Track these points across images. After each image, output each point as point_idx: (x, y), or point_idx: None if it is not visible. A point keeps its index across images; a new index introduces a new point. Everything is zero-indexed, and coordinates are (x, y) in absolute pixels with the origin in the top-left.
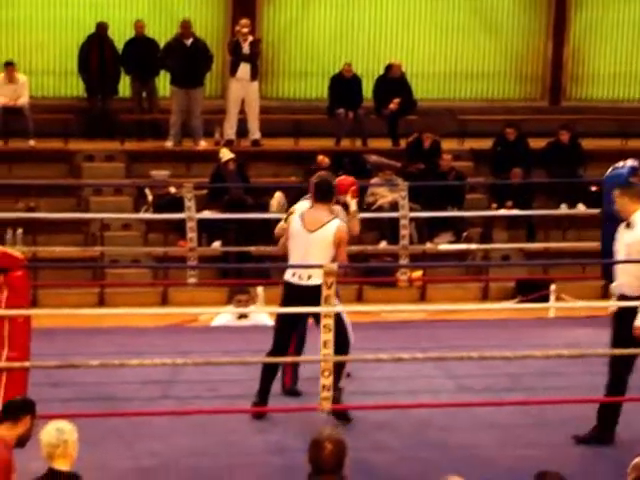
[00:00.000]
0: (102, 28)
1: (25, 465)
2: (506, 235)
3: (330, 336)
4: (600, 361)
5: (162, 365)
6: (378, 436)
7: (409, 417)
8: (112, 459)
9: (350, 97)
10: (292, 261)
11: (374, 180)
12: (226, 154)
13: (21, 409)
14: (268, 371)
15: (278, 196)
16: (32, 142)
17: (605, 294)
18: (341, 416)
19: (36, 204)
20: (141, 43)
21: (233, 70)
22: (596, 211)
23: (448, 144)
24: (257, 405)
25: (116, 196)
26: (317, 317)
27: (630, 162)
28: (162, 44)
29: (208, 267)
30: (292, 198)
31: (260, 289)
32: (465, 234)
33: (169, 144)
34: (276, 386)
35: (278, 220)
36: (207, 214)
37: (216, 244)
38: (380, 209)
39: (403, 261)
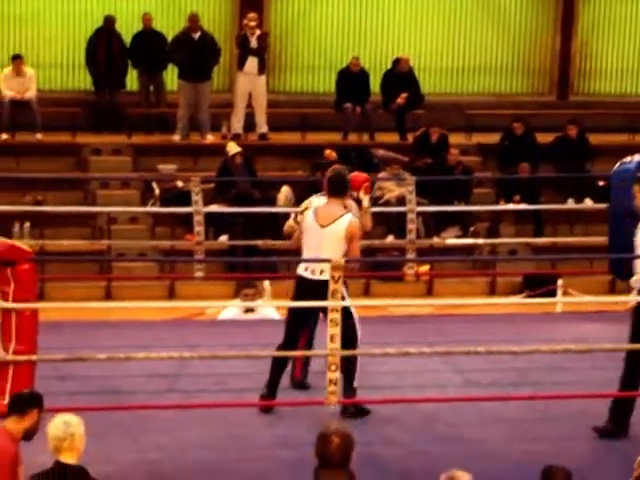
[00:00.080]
0: (110, 21)
1: (32, 458)
2: (513, 230)
3: (337, 330)
4: (607, 356)
5: (169, 359)
6: (385, 430)
7: (416, 411)
8: (118, 452)
9: (357, 91)
10: (305, 256)
11: (381, 174)
12: (233, 148)
13: (28, 402)
14: (278, 364)
15: (285, 190)
16: (39, 135)
17: (613, 289)
18: (359, 411)
19: (43, 197)
20: (149, 36)
21: (241, 64)
22: (604, 206)
23: (455, 139)
24: (265, 397)
25: (123, 190)
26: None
27: (638, 157)
28: (170, 38)
29: (215, 261)
30: (299, 192)
31: (267, 283)
32: (472, 229)
33: (176, 138)
34: (284, 379)
35: (285, 214)
36: (214, 208)
37: (223, 238)
38: (387, 203)
39: (410, 255)
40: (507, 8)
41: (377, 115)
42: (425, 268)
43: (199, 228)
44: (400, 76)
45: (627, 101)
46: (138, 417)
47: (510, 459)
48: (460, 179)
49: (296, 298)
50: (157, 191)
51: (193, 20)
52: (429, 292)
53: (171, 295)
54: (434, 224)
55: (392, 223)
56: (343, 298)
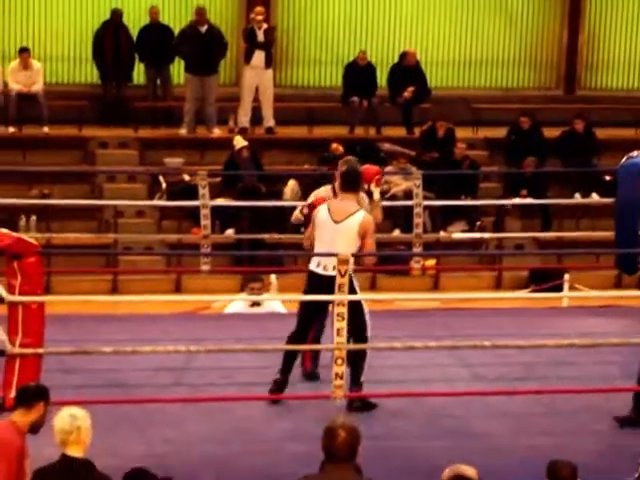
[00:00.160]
0: (117, 15)
1: (38, 451)
2: (520, 224)
3: (343, 324)
4: (613, 350)
5: (175, 352)
6: (392, 424)
7: (422, 405)
8: (125, 445)
9: (364, 85)
10: (318, 251)
11: (388, 168)
12: (240, 142)
13: (34, 395)
14: (288, 355)
15: (292, 184)
16: (46, 129)
17: (619, 284)
18: (366, 405)
19: (50, 191)
20: (156, 30)
21: (248, 58)
22: (610, 200)
23: (462, 133)
24: (277, 382)
25: (130, 183)
26: None
27: None
28: (177, 31)
29: (221, 254)
30: (306, 186)
31: (273, 277)
32: (479, 223)
33: (183, 131)
34: (297, 370)
35: (292, 208)
36: (221, 202)
37: (229, 232)
38: (394, 197)
39: (416, 249)
40: (514, 2)
41: (384, 109)
42: (431, 262)
43: (205, 222)
44: (407, 70)
45: (634, 95)
46: (145, 410)
47: (516, 453)
48: (467, 173)
49: (307, 294)
50: (164, 185)
51: (200, 13)
52: (435, 286)
53: (177, 289)
54: (440, 218)
55: (399, 217)
56: (355, 292)
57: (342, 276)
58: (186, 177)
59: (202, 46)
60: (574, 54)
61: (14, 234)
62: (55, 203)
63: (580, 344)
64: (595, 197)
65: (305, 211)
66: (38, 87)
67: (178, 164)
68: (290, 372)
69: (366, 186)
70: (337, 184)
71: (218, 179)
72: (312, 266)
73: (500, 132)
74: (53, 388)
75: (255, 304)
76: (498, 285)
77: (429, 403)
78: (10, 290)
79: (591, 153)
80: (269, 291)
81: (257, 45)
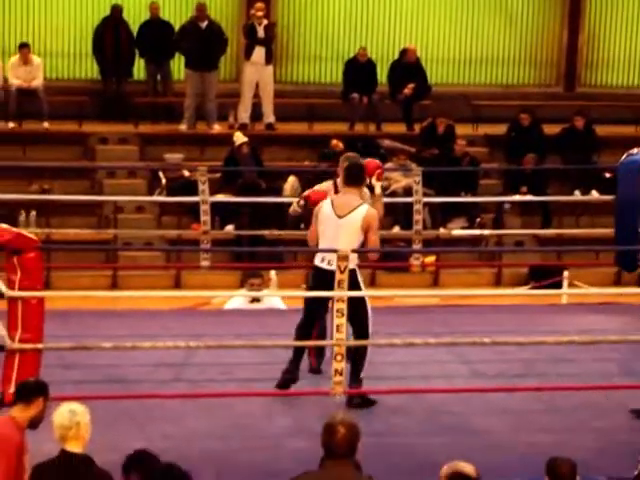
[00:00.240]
0: (117, 10)
1: (38, 447)
2: (519, 221)
3: (343, 320)
4: (612, 348)
5: (175, 348)
6: (391, 420)
7: (422, 402)
8: (124, 441)
9: (364, 82)
10: (322, 246)
11: (388, 165)
12: (240, 138)
13: (34, 391)
14: (297, 349)
15: (292, 180)
16: (46, 124)
17: (618, 281)
18: (365, 401)
19: (50, 186)
20: (156, 26)
21: (248, 54)
22: (610, 198)
23: (462, 129)
24: (286, 374)
25: (130, 179)
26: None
27: None
28: (177, 27)
29: (221, 250)
30: (306, 182)
31: (273, 273)
32: (478, 220)
33: (183, 127)
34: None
35: (292, 204)
36: (221, 197)
37: (229, 228)
38: (394, 194)
39: (416, 246)
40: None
41: (384, 105)
42: (431, 259)
43: (205, 218)
44: (407, 67)
45: (634, 93)
46: (144, 406)
47: (515, 450)
48: (467, 170)
49: (313, 289)
50: (163, 180)
51: (200, 9)
52: (435, 283)
53: (177, 284)
54: (440, 215)
55: (398, 214)
56: (360, 288)
57: (342, 272)
58: (186, 173)
59: (202, 42)
60: (574, 51)
61: (14, 229)
62: (55, 198)
63: (579, 341)
64: (595, 194)
65: (301, 203)
66: (38, 82)
67: (178, 160)
68: (298, 367)
69: (367, 180)
70: (340, 179)
71: (218, 175)
72: (317, 261)
73: (500, 129)
74: (52, 383)
75: (255, 300)
76: (498, 282)
77: (429, 400)
78: (10, 285)
79: (591, 150)
80: (269, 287)
81: (257, 41)
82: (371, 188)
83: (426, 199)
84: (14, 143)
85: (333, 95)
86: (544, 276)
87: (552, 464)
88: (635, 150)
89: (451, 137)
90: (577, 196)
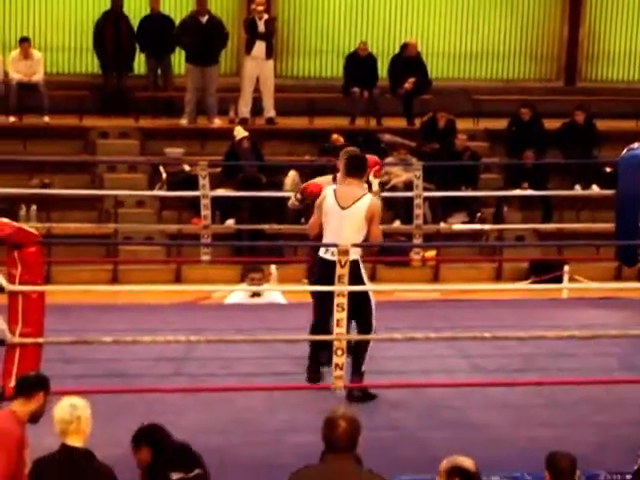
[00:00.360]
0: (117, 4)
1: (38, 441)
2: (520, 215)
3: (343, 315)
4: (612, 342)
5: (175, 342)
6: (392, 415)
7: (422, 396)
8: (125, 435)
9: (365, 76)
10: (326, 238)
11: (388, 159)
12: (240, 132)
13: (34, 385)
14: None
15: (292, 175)
16: (47, 118)
17: (619, 275)
18: (366, 395)
19: (50, 180)
20: (156, 20)
21: (248, 48)
22: (610, 192)
23: (463, 124)
24: (309, 369)
25: (130, 173)
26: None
27: None
28: (177, 21)
29: (222, 245)
30: (306, 177)
31: (273, 267)
32: (479, 214)
33: (184, 122)
34: (290, 365)
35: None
36: (221, 192)
37: (230, 222)
38: (394, 188)
39: (417, 241)
40: None
41: (384, 100)
42: (432, 253)
43: (206, 212)
44: (408, 61)
45: (635, 87)
46: (145, 400)
47: (516, 445)
48: (467, 164)
49: (318, 280)
50: (164, 175)
51: (201, 4)
52: (435, 277)
53: (178, 279)
54: (441, 209)
55: (399, 208)
56: (363, 282)
57: (342, 267)
58: (186, 167)
59: (203, 36)
60: (575, 46)
61: (14, 224)
62: (55, 193)
63: (580, 336)
64: (595, 189)
65: (298, 196)
66: (39, 77)
67: (179, 154)
68: (317, 358)
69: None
70: (340, 173)
71: (218, 169)
72: (321, 252)
73: (501, 123)
74: (53, 378)
75: (255, 294)
76: (498, 276)
77: (429, 394)
78: (10, 280)
79: (591, 145)
80: (269, 282)
81: (258, 35)
82: (369, 184)
83: (427, 194)
84: (15, 137)
85: (334, 89)
86: (545, 271)
87: (552, 459)
88: (636, 144)
89: (452, 132)
90: (578, 191)
